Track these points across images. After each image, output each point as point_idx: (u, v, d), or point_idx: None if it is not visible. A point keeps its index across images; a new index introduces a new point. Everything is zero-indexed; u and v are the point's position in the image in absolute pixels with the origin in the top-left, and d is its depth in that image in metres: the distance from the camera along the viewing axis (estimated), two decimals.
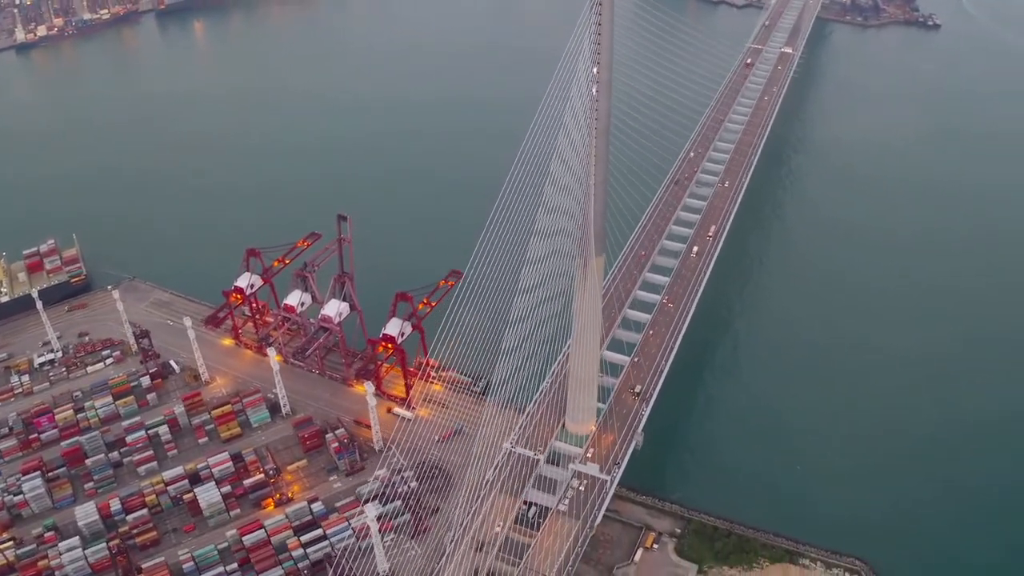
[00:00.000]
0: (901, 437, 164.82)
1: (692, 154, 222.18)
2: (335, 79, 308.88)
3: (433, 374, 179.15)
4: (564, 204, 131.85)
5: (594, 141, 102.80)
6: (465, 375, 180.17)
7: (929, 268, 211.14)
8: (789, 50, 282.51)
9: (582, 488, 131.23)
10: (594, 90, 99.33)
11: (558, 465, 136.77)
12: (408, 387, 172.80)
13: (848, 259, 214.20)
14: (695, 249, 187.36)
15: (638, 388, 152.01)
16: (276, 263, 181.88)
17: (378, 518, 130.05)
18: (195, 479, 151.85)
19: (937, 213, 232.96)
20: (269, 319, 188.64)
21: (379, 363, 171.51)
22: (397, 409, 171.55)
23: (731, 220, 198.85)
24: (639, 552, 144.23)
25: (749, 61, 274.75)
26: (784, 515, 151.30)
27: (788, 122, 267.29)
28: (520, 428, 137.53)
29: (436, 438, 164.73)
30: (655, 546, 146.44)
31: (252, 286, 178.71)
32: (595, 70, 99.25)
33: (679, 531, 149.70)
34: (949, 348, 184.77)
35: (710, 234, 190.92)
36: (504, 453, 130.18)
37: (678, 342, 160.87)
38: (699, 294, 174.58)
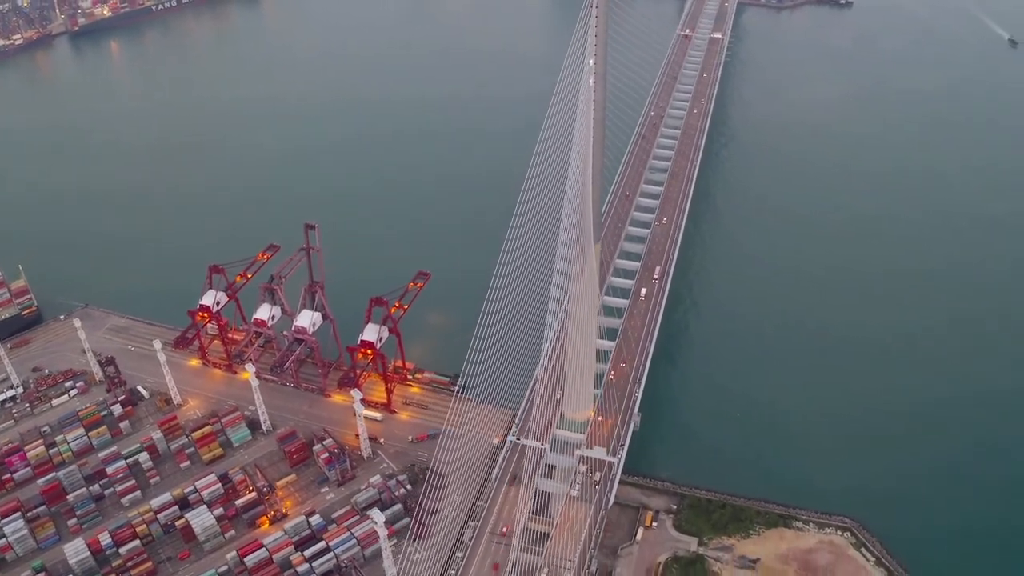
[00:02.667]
0: (876, 408, 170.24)
1: (642, 138, 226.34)
2: (266, 87, 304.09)
3: (411, 376, 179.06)
4: (542, 198, 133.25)
5: (591, 131, 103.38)
6: (443, 375, 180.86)
7: (883, 249, 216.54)
8: (718, 35, 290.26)
9: (590, 473, 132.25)
10: (591, 81, 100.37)
11: (562, 453, 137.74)
12: (389, 392, 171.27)
13: (804, 241, 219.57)
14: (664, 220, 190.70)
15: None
16: (239, 278, 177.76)
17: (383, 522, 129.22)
18: (184, 504, 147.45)
19: (866, 189, 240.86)
20: (237, 336, 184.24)
21: (362, 370, 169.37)
22: (366, 412, 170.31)
23: (687, 208, 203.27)
24: (640, 531, 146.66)
25: (688, 33, 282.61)
26: (773, 484, 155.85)
27: (719, 105, 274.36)
28: (520, 419, 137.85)
29: (410, 439, 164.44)
30: (654, 524, 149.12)
31: (218, 303, 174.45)
32: (591, 62, 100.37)
33: (675, 507, 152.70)
34: (917, 327, 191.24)
35: (663, 221, 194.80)
36: (508, 445, 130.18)
37: (658, 324, 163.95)
38: (670, 280, 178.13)
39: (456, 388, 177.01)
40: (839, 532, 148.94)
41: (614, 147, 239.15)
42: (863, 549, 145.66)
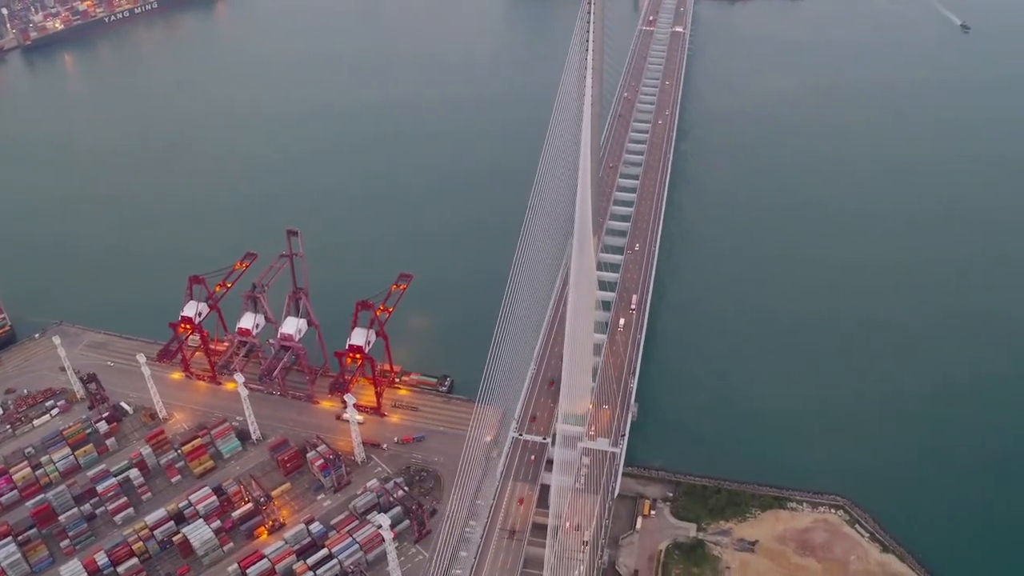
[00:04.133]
0: (858, 392, 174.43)
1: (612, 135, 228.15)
2: (229, 95, 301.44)
3: (398, 379, 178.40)
4: (533, 195, 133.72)
5: (589, 126, 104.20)
6: (430, 376, 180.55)
7: (861, 239, 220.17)
8: (680, 29, 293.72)
9: (590, 464, 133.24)
10: (588, 78, 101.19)
11: (564, 446, 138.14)
12: (379, 395, 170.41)
13: (782, 232, 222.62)
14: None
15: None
16: (218, 287, 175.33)
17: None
18: (180, 519, 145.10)
19: (833, 179, 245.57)
20: (219, 346, 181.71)
21: (353, 375, 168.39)
22: (346, 415, 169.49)
23: (664, 203, 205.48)
24: (639, 520, 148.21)
25: (651, 18, 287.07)
26: (765, 467, 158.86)
27: (685, 97, 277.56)
28: (519, 415, 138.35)
29: (395, 439, 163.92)
30: (652, 512, 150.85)
31: (200, 314, 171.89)
32: (589, 58, 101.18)
33: (671, 495, 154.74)
34: (893, 314, 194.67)
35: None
36: (510, 442, 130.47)
37: (646, 318, 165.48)
38: (654, 267, 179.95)
39: (445, 389, 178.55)
40: (832, 510, 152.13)
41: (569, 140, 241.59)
42: (857, 526, 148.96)
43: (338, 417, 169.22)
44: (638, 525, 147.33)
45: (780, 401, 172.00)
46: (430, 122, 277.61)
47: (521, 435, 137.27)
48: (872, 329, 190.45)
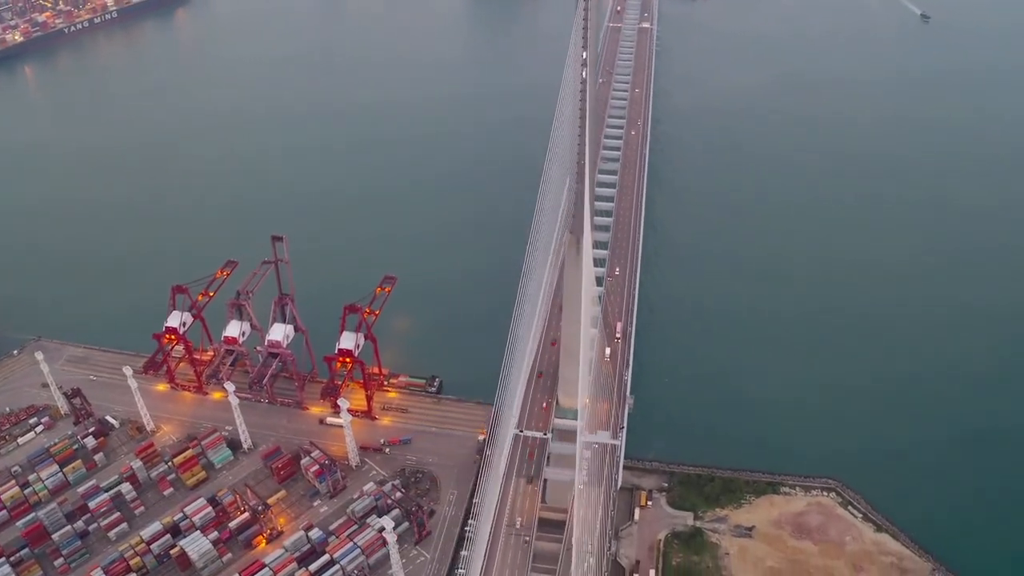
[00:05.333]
0: (843, 379, 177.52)
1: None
2: (195, 101, 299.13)
3: (387, 382, 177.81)
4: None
5: (587, 122, 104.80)
6: (419, 377, 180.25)
7: (843, 231, 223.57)
8: (647, 25, 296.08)
9: (591, 457, 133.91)
10: (583, 73, 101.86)
11: (563, 440, 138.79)
12: (369, 399, 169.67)
13: (765, 223, 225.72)
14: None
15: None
16: (200, 296, 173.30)
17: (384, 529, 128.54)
18: (176, 531, 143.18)
19: (810, 171, 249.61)
20: (203, 356, 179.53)
21: (343, 379, 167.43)
22: (330, 419, 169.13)
23: (644, 198, 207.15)
24: (637, 511, 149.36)
25: (619, 8, 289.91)
26: (757, 454, 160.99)
27: (656, 92, 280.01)
28: (516, 411, 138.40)
29: (382, 441, 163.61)
30: (649, 503, 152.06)
31: (184, 324, 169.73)
32: (584, 54, 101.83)
33: (666, 485, 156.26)
34: (873, 302, 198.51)
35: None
36: (510, 438, 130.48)
37: (635, 308, 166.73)
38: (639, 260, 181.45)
39: (434, 389, 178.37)
40: (824, 493, 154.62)
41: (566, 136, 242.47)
42: (850, 507, 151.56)
43: (322, 422, 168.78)
44: (636, 516, 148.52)
45: (768, 390, 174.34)
46: (403, 124, 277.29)
47: (522, 431, 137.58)
48: (854, 317, 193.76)
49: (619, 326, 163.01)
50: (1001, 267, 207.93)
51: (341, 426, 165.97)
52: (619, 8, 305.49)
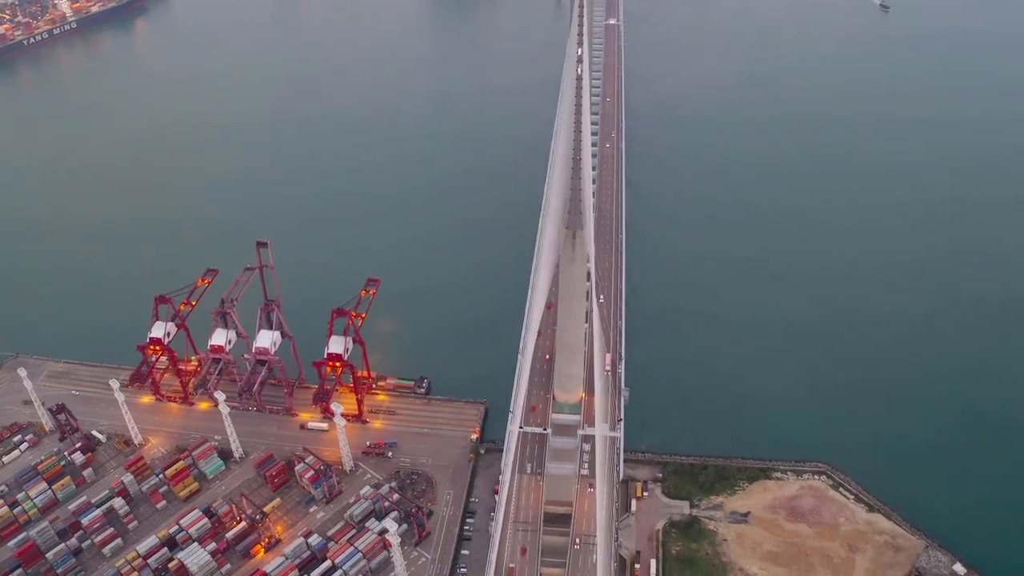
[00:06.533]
0: (826, 366, 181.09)
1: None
2: (160, 111, 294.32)
3: (375, 384, 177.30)
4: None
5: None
6: (407, 379, 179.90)
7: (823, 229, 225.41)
8: (613, 21, 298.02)
9: (591, 450, 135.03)
10: (579, 70, 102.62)
11: (563, 435, 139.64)
12: (360, 402, 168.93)
13: (745, 222, 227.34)
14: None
15: None
16: (183, 306, 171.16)
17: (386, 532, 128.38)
18: (172, 544, 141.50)
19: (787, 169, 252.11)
20: (187, 366, 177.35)
21: (334, 384, 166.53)
22: (311, 423, 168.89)
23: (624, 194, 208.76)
24: (633, 502, 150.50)
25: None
26: (747, 442, 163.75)
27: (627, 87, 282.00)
28: (512, 408, 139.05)
29: (368, 443, 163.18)
30: (645, 494, 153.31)
31: (168, 334, 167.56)
32: (579, 51, 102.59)
33: (660, 476, 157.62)
34: (850, 299, 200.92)
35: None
36: (509, 434, 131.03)
37: (624, 302, 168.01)
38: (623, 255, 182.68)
39: (423, 390, 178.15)
40: (815, 477, 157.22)
41: (545, 136, 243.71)
42: (841, 489, 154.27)
43: (303, 427, 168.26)
44: (633, 507, 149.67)
45: (755, 381, 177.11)
46: (373, 130, 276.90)
47: (522, 428, 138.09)
48: (836, 311, 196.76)
49: (608, 358, 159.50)
50: (976, 259, 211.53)
51: (324, 430, 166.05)
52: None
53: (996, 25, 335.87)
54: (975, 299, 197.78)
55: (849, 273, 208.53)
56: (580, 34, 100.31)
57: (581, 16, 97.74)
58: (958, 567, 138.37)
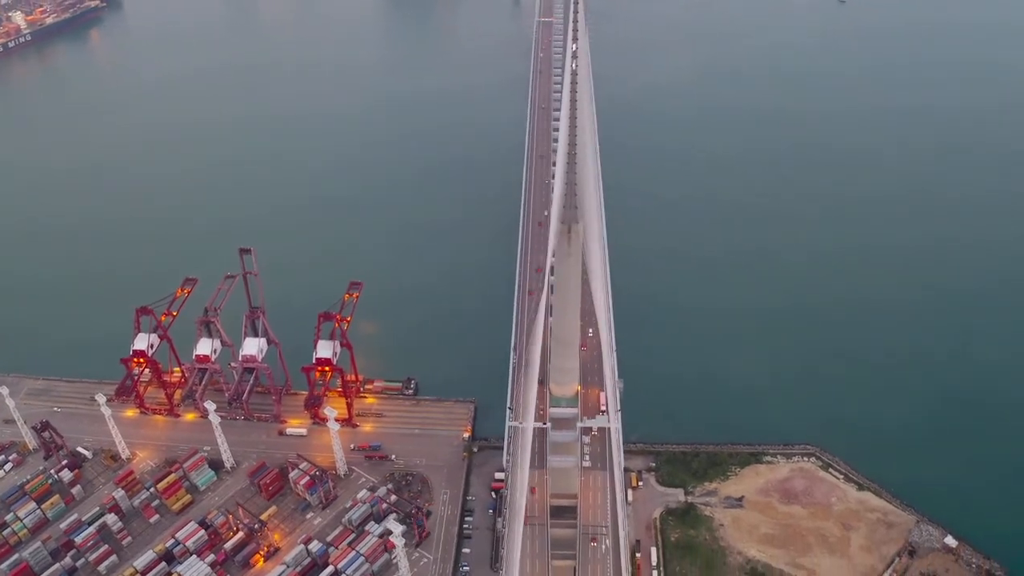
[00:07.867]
0: (809, 351, 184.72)
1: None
2: (124, 119, 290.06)
3: (363, 387, 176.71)
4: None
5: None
6: (394, 381, 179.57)
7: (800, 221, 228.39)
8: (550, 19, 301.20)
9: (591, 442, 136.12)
10: (573, 65, 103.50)
11: (562, 429, 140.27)
12: (349, 406, 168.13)
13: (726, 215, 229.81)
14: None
15: None
16: (163, 316, 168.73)
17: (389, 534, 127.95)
18: (170, 558, 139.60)
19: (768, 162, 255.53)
20: (171, 378, 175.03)
21: (323, 388, 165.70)
22: (289, 429, 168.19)
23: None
24: (629, 492, 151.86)
25: (548, 19, 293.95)
26: (737, 428, 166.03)
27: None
28: (510, 404, 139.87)
29: (352, 446, 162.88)
30: (640, 483, 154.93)
31: (152, 346, 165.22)
32: (574, 46, 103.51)
33: (654, 465, 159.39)
34: (828, 288, 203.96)
35: None
36: (517, 431, 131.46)
37: (611, 298, 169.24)
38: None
39: (411, 391, 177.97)
40: (805, 459, 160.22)
41: (516, 133, 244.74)
42: (830, 469, 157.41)
43: (281, 433, 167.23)
44: (629, 497, 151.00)
45: (742, 369, 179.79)
46: (341, 132, 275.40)
47: (521, 424, 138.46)
48: (816, 298, 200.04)
49: (602, 397, 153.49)
50: (951, 245, 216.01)
51: (302, 435, 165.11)
52: (546, 19, 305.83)
53: (947, 15, 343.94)
54: (953, 285, 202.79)
55: (829, 261, 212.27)
56: (575, 29, 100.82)
57: (576, 11, 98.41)
58: (949, 539, 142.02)
